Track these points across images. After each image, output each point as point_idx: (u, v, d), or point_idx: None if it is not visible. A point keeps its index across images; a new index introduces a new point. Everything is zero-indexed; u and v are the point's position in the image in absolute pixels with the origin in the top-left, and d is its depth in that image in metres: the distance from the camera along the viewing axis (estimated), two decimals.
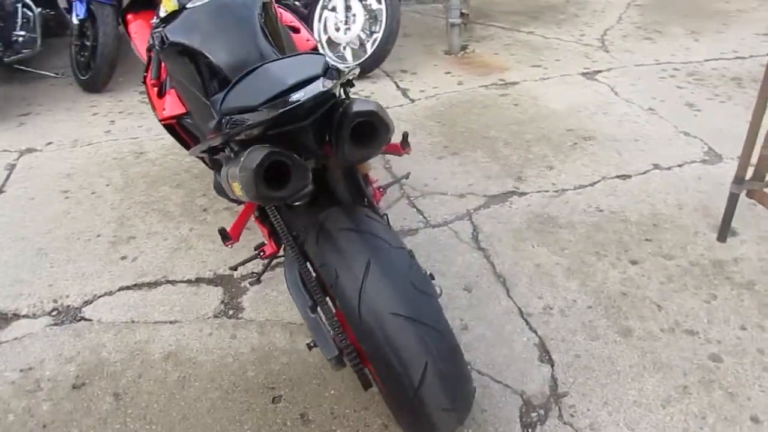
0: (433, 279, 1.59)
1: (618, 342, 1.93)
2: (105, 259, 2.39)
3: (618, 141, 3.11)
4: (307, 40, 2.14)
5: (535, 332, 1.98)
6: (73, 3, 3.78)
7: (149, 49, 2.03)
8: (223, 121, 1.34)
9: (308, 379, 1.84)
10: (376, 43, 3.87)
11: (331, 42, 4.08)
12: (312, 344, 1.57)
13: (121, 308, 2.15)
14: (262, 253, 1.87)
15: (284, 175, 1.25)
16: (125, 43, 2.59)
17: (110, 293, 2.22)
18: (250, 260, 1.95)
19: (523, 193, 2.70)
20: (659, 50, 4.36)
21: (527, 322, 2.02)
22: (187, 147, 2.11)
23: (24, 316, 2.13)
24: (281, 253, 1.90)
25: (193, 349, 1.97)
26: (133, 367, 1.91)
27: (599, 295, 2.11)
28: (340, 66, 1.46)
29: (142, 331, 2.04)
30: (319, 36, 4.07)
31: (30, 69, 4.04)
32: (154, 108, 2.09)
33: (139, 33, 2.26)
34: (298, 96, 1.25)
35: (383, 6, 3.82)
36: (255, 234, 2.33)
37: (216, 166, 1.72)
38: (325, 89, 1.27)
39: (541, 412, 1.73)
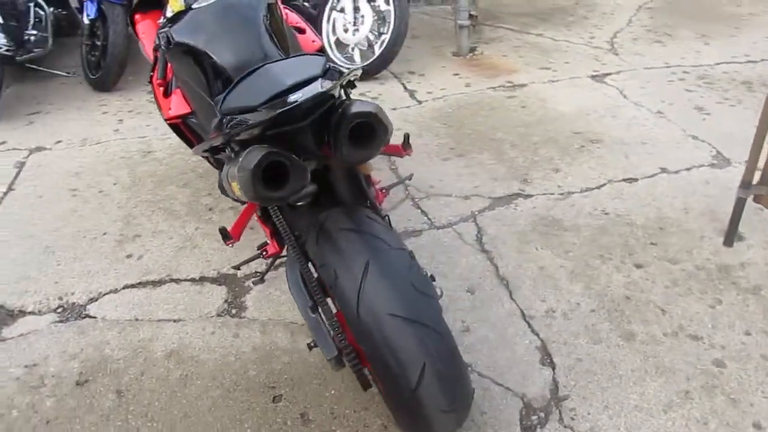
0: (434, 280, 1.59)
1: (620, 346, 1.92)
2: (111, 257, 2.41)
3: (626, 144, 3.09)
4: (313, 41, 2.15)
5: (537, 335, 1.97)
6: (84, 3, 3.81)
7: (155, 49, 2.04)
8: (224, 120, 1.35)
9: (309, 378, 1.85)
10: (384, 45, 3.88)
11: (339, 43, 4.10)
12: (312, 344, 1.57)
13: (126, 306, 2.17)
14: (264, 253, 1.88)
15: (283, 176, 1.26)
16: (135, 42, 2.61)
17: (115, 291, 2.24)
18: (253, 260, 1.95)
19: (529, 196, 2.70)
20: (669, 53, 4.33)
21: (529, 325, 2.01)
22: (192, 146, 2.12)
23: (30, 313, 2.15)
24: (284, 253, 1.91)
25: (196, 347, 1.98)
26: (136, 364, 1.92)
27: (603, 299, 2.10)
28: (342, 67, 1.46)
29: (145, 329, 2.06)
30: (328, 37, 4.09)
31: (41, 68, 4.08)
32: (159, 107, 2.11)
33: (147, 33, 2.28)
34: (296, 97, 1.26)
35: (391, 7, 3.83)
36: (258, 233, 2.34)
37: (219, 165, 1.74)
38: (323, 90, 1.28)
39: (542, 415, 1.72)
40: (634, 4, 5.53)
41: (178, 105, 1.99)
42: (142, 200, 2.76)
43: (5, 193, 2.85)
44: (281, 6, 2.14)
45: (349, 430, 1.69)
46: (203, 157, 2.04)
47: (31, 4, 3.87)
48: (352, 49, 4.06)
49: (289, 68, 1.37)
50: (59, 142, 3.33)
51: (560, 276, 2.22)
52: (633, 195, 2.67)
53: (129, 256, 2.41)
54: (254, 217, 1.93)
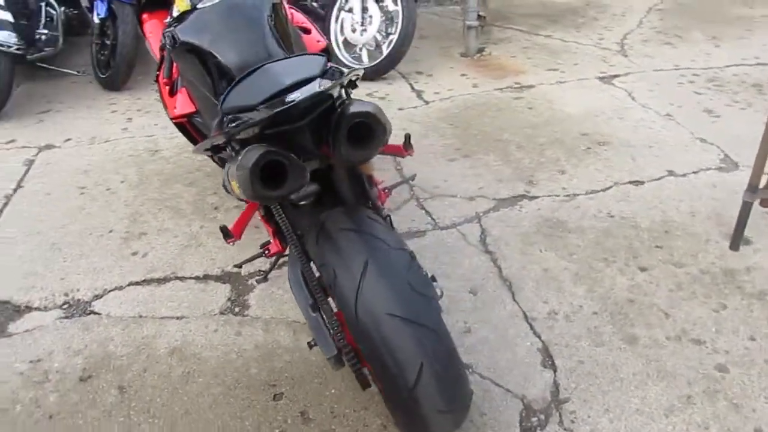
0: (435, 281, 1.60)
1: (623, 349, 1.91)
2: (116, 255, 2.42)
3: (633, 146, 3.08)
4: (318, 41, 2.16)
5: (539, 337, 1.97)
6: (95, 2, 3.84)
7: (162, 49, 2.06)
8: (225, 119, 1.36)
9: (310, 377, 1.85)
10: (392, 45, 3.88)
11: (347, 43, 4.11)
12: (312, 343, 1.58)
13: (130, 303, 2.18)
14: (266, 252, 1.89)
15: (282, 175, 1.26)
16: (144, 42, 2.63)
17: (120, 288, 2.26)
18: (255, 258, 1.96)
19: (534, 197, 2.69)
20: (679, 55, 4.30)
21: (531, 327, 2.01)
22: None
23: (36, 309, 2.17)
24: (286, 252, 1.92)
25: (198, 344, 1.99)
26: (139, 361, 1.94)
27: (606, 302, 2.10)
28: (343, 67, 1.46)
29: (149, 326, 2.07)
30: (336, 37, 4.10)
31: (52, 67, 4.11)
32: (165, 106, 2.13)
33: (154, 32, 2.30)
34: (293, 96, 1.27)
35: (399, 8, 3.83)
36: (262, 232, 2.35)
37: (223, 164, 1.75)
38: (321, 90, 1.28)
39: (542, 417, 1.72)
40: (644, 6, 5.50)
41: (183, 104, 2.00)
42: (149, 198, 2.79)
43: (14, 190, 2.88)
44: (287, 6, 2.15)
45: (348, 429, 1.70)
46: (208, 155, 2.05)
47: (42, 4, 3.91)
48: (360, 49, 4.07)
49: (289, 68, 1.38)
50: (68, 140, 3.36)
51: (564, 278, 2.21)
52: (639, 198, 2.65)
53: (134, 254, 2.43)
54: (257, 216, 1.94)
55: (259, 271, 2.27)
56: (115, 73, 3.87)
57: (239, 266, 2.20)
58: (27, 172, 3.04)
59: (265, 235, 2.30)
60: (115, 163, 3.09)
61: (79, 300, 2.20)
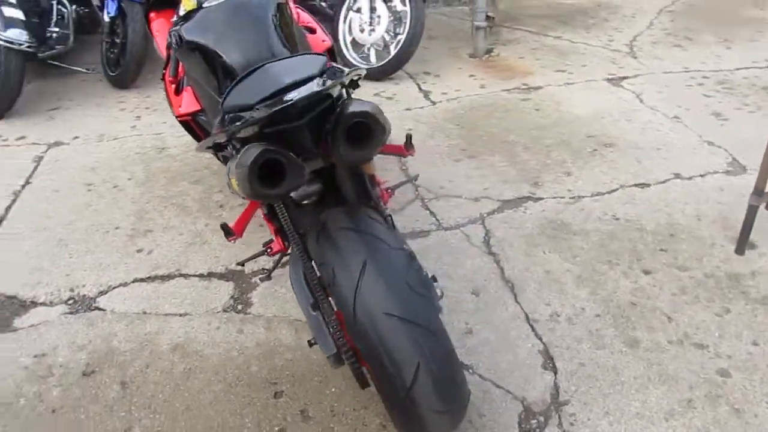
0: (436, 281, 1.60)
1: (624, 352, 1.90)
2: (122, 251, 2.44)
3: (639, 149, 3.06)
4: (323, 41, 2.17)
5: (540, 339, 1.97)
6: (105, 1, 3.87)
7: (168, 47, 2.07)
8: (226, 118, 1.37)
9: (310, 376, 1.86)
10: (400, 45, 3.88)
11: (355, 43, 4.11)
12: (313, 341, 1.58)
13: (134, 299, 2.20)
14: (269, 250, 1.90)
15: (281, 173, 1.27)
16: (153, 40, 2.65)
17: (125, 284, 2.27)
18: (258, 256, 1.97)
19: (539, 199, 2.69)
20: (689, 57, 4.28)
21: (533, 329, 2.01)
22: None
23: (41, 304, 2.19)
24: (289, 250, 1.92)
25: (201, 341, 2.01)
26: (142, 357, 1.95)
27: (608, 304, 2.09)
28: (343, 67, 1.46)
29: (152, 323, 2.09)
30: (344, 37, 4.10)
31: (63, 65, 4.14)
32: (171, 104, 2.14)
33: (161, 31, 2.31)
34: (291, 95, 1.27)
35: (408, 8, 3.83)
36: (266, 230, 2.36)
37: (226, 162, 1.76)
38: (318, 89, 1.29)
39: (541, 419, 1.71)
40: (656, 8, 5.47)
41: (188, 102, 2.02)
42: (155, 196, 2.80)
43: (23, 187, 2.91)
44: (293, 6, 2.16)
45: (347, 427, 1.70)
46: (213, 154, 2.06)
47: (54, 2, 3.93)
48: (368, 49, 4.07)
49: (288, 67, 1.39)
50: (77, 137, 3.39)
51: (566, 280, 2.21)
52: (644, 200, 2.64)
53: (140, 251, 2.45)
54: (260, 214, 1.95)
55: (263, 269, 2.28)
56: (125, 71, 3.90)
57: (242, 264, 2.21)
58: (36, 168, 3.07)
59: (269, 233, 2.32)
60: (122, 161, 3.12)
61: (84, 296, 2.22)
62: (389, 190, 2.06)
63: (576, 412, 1.72)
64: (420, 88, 3.91)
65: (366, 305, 1.32)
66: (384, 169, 2.92)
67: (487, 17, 4.30)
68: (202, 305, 2.16)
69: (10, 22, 3.43)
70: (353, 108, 1.31)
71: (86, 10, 4.35)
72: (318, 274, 1.54)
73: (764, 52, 4.31)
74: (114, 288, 2.26)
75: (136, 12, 3.73)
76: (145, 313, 2.14)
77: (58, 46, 3.93)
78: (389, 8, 3.93)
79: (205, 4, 1.82)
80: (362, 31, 4.02)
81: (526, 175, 2.87)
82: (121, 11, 3.84)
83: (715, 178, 2.79)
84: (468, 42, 4.57)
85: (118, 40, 3.92)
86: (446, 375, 1.35)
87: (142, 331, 2.05)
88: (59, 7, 3.98)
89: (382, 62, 3.98)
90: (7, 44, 3.39)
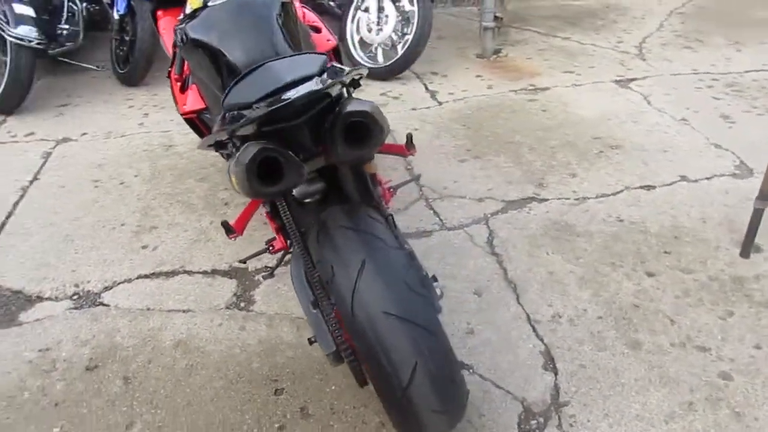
0: (436, 281, 1.60)
1: (625, 354, 1.90)
2: (127, 248, 2.46)
3: (646, 151, 3.05)
4: (327, 40, 2.17)
5: (542, 340, 1.96)
6: None
7: (174, 45, 2.08)
8: (226, 116, 1.38)
9: (311, 373, 1.87)
10: (407, 45, 3.88)
11: (363, 42, 4.12)
12: (313, 339, 1.59)
13: (138, 295, 2.22)
14: (271, 248, 1.91)
15: (279, 171, 1.28)
16: None
17: (129, 280, 2.29)
18: (260, 254, 1.98)
19: (543, 200, 2.68)
20: (698, 60, 4.25)
21: (534, 329, 2.00)
22: None
23: (47, 299, 2.21)
24: (291, 249, 1.93)
25: (203, 338, 2.02)
26: (144, 352, 1.97)
27: (611, 306, 2.08)
28: (344, 67, 1.47)
29: (155, 319, 2.10)
30: (352, 36, 4.11)
31: (73, 61, 4.18)
32: (176, 102, 2.16)
33: (167, 29, 2.32)
34: (289, 94, 1.28)
35: (416, 8, 3.83)
36: (269, 228, 2.37)
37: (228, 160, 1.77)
38: (316, 88, 1.29)
39: (541, 420, 1.71)
40: (666, 9, 5.45)
41: (193, 100, 2.03)
42: (161, 193, 2.82)
43: (31, 182, 2.94)
44: (298, 5, 2.17)
45: (347, 425, 1.71)
46: (215, 151, 2.07)
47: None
48: (375, 49, 4.08)
49: (288, 66, 1.39)
50: (85, 134, 3.42)
51: (569, 281, 2.20)
52: (650, 202, 2.63)
53: (144, 247, 2.46)
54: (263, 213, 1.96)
55: (266, 267, 2.29)
56: (133, 68, 3.92)
57: (243, 262, 2.22)
58: (44, 164, 3.10)
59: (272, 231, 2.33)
60: (129, 158, 3.14)
61: (89, 291, 2.24)
62: (391, 190, 2.06)
63: (576, 414, 1.72)
64: (427, 88, 3.91)
65: (364, 304, 1.33)
66: (390, 168, 2.93)
67: (495, 18, 4.29)
68: (205, 302, 2.18)
69: (21, 19, 3.46)
70: (352, 107, 1.31)
71: (97, 8, 4.39)
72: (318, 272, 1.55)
73: None
74: (118, 284, 2.28)
75: (145, 10, 3.74)
76: (148, 309, 2.15)
77: (68, 43, 3.97)
78: (397, 8, 3.94)
79: (210, 3, 1.83)
80: (370, 30, 4.03)
81: (531, 176, 2.87)
82: (130, 9, 3.87)
83: (721, 181, 2.78)
84: (476, 42, 4.56)
85: (127, 38, 3.95)
86: (444, 374, 1.35)
87: (145, 327, 2.07)
88: (70, 4, 4.02)
89: (390, 62, 3.98)
90: (18, 41, 3.42)
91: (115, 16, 3.95)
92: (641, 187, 2.74)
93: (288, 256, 2.23)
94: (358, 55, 4.09)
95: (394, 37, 3.98)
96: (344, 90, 1.48)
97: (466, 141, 3.21)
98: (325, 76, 1.35)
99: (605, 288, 2.17)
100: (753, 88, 3.76)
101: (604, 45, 4.60)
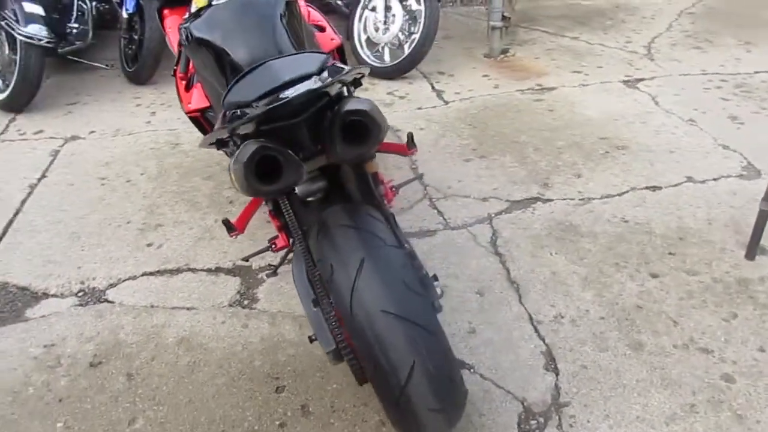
0: (437, 280, 1.60)
1: (627, 355, 1.89)
2: (132, 245, 2.48)
3: (652, 151, 3.03)
4: (332, 39, 2.18)
5: (543, 340, 1.96)
6: None
7: (179, 44, 2.10)
8: (227, 114, 1.38)
9: (312, 371, 1.88)
10: (414, 44, 3.88)
11: (370, 42, 4.12)
12: (313, 337, 1.59)
13: (143, 293, 2.23)
14: (273, 246, 1.92)
15: (278, 170, 1.28)
16: None
17: (134, 278, 2.31)
18: (262, 252, 1.99)
19: (548, 200, 2.67)
20: (708, 60, 4.22)
21: (536, 330, 2.00)
22: None
23: (52, 296, 2.23)
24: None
25: (206, 335, 2.03)
26: (148, 349, 1.98)
27: (613, 307, 2.08)
28: (344, 66, 1.47)
29: (159, 316, 2.12)
30: (359, 36, 4.12)
31: (82, 60, 4.21)
32: (181, 100, 2.17)
33: (173, 28, 2.34)
34: (287, 93, 1.29)
35: (422, 7, 3.83)
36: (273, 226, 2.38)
37: None
38: (314, 87, 1.30)
39: (541, 420, 1.71)
40: (676, 9, 5.41)
41: (198, 99, 2.04)
42: (167, 191, 2.84)
43: (39, 180, 2.96)
44: (303, 4, 2.17)
45: (347, 423, 1.72)
46: (219, 150, 2.09)
47: None
48: (382, 48, 4.08)
49: (287, 65, 1.40)
50: (93, 132, 3.45)
51: (572, 282, 2.20)
52: (655, 203, 2.62)
53: (150, 245, 2.48)
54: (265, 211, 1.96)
55: (269, 265, 2.30)
56: (141, 67, 3.95)
57: (246, 260, 2.23)
58: (52, 162, 3.13)
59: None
60: (136, 156, 3.16)
61: (94, 288, 2.26)
62: (394, 189, 2.07)
63: (576, 414, 1.72)
64: (433, 88, 3.91)
65: (362, 302, 1.33)
66: (395, 167, 2.93)
67: (503, 17, 4.28)
68: (208, 300, 2.19)
69: (31, 18, 3.49)
70: (350, 106, 1.32)
71: (106, 6, 4.42)
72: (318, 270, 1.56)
73: None
74: (123, 281, 2.29)
75: (152, 9, 3.77)
76: (152, 306, 2.17)
77: (77, 42, 4.00)
78: (404, 7, 3.94)
79: (214, 2, 1.84)
80: (377, 29, 4.04)
81: (536, 176, 2.86)
82: (139, 8, 3.89)
83: (728, 182, 2.76)
84: (483, 42, 4.55)
85: (136, 37, 3.97)
86: (442, 373, 1.35)
87: (149, 324, 2.08)
88: (80, 3, 4.05)
89: (396, 61, 3.98)
90: (28, 40, 3.45)
91: (124, 14, 3.98)
92: (647, 188, 2.73)
93: (291, 255, 2.25)
94: (364, 53, 4.09)
95: (401, 37, 3.98)
96: (345, 89, 1.48)
97: (471, 140, 3.20)
98: (324, 74, 1.36)
99: (608, 289, 2.16)
100: (762, 89, 3.73)
101: (613, 45, 4.58)
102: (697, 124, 3.31)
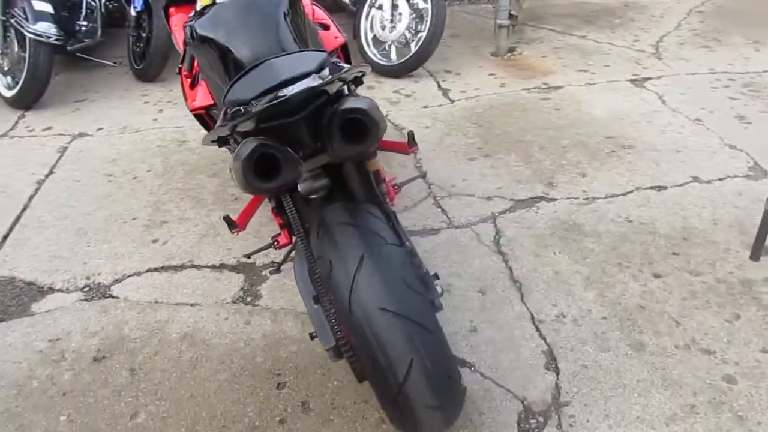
0: (438, 278, 1.61)
1: (629, 355, 1.89)
2: (138, 241, 2.50)
3: (658, 151, 3.02)
4: (336, 38, 2.19)
5: (545, 339, 1.96)
6: None
7: (185, 42, 2.11)
8: (227, 112, 1.40)
9: (313, 368, 1.89)
10: (420, 43, 3.88)
11: (376, 40, 4.13)
12: (314, 334, 1.60)
13: (147, 288, 2.25)
14: (276, 243, 1.93)
15: (277, 168, 1.29)
16: None
17: (139, 274, 2.33)
18: (264, 249, 2.01)
19: (552, 199, 2.67)
20: (716, 59, 4.19)
21: (538, 329, 2.00)
22: None
23: (58, 290, 2.26)
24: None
25: (209, 331, 2.05)
26: (151, 344, 2.00)
27: (616, 307, 2.07)
28: (344, 65, 1.48)
29: (163, 312, 2.14)
30: (366, 34, 4.12)
31: (90, 57, 4.24)
32: (185, 98, 2.19)
33: (179, 26, 2.35)
34: (286, 91, 1.29)
35: (429, 5, 3.83)
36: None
37: None
38: (313, 85, 1.30)
39: (540, 419, 1.71)
40: (685, 8, 5.37)
41: (202, 97, 2.05)
42: (173, 188, 2.86)
43: (46, 176, 2.99)
44: (308, 2, 2.18)
45: (347, 420, 1.73)
46: (220, 147, 2.10)
47: None
48: (389, 46, 4.08)
49: (287, 63, 1.41)
50: (101, 129, 3.47)
51: (575, 281, 2.19)
52: (660, 203, 2.61)
53: (155, 241, 2.50)
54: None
55: (272, 262, 2.32)
56: (149, 64, 3.98)
57: (248, 257, 2.25)
58: (60, 158, 3.16)
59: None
60: (143, 153, 3.18)
61: (99, 284, 2.28)
62: (396, 187, 2.07)
63: (576, 414, 1.72)
64: (439, 86, 3.91)
65: (361, 300, 1.34)
66: (400, 165, 2.94)
67: (510, 16, 4.27)
68: (212, 296, 2.20)
69: (40, 16, 3.52)
70: (348, 104, 1.32)
71: (115, 4, 4.44)
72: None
73: None
74: (128, 277, 2.31)
75: (159, 7, 3.79)
76: (156, 302, 2.19)
77: (86, 40, 4.04)
78: (411, 5, 3.94)
79: (218, 0, 1.85)
80: (383, 28, 4.04)
81: (540, 175, 2.85)
82: (147, 6, 3.92)
83: (734, 182, 2.74)
84: (491, 41, 4.54)
85: (144, 35, 4.00)
86: (440, 371, 1.36)
87: (153, 320, 2.10)
88: (89, 1, 4.07)
89: (403, 59, 3.98)
90: (37, 37, 3.48)
91: (132, 12, 4.00)
92: (652, 188, 2.72)
93: (294, 252, 2.26)
94: (371, 52, 4.10)
95: (408, 35, 3.98)
96: (345, 87, 1.49)
97: (476, 139, 3.20)
98: (323, 73, 1.37)
99: (611, 289, 2.16)
100: None
101: (620, 44, 4.56)
102: (703, 123, 3.30)
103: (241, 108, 1.33)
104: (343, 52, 2.32)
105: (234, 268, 2.34)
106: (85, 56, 4.19)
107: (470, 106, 3.60)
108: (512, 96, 3.72)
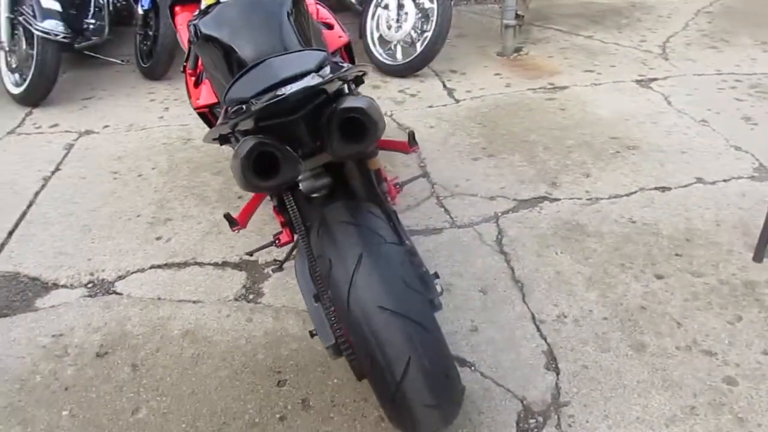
0: (438, 277, 1.61)
1: (629, 356, 1.89)
2: (142, 238, 2.52)
3: (663, 152, 3.01)
4: (339, 37, 2.19)
5: (545, 339, 1.96)
6: None
7: (189, 41, 2.12)
8: (228, 111, 1.40)
9: (314, 366, 1.89)
10: (426, 42, 3.88)
11: (382, 39, 4.13)
12: (314, 332, 1.61)
13: (150, 285, 2.27)
14: (277, 241, 1.94)
15: (277, 166, 1.30)
16: None
17: (142, 270, 2.34)
18: (266, 247, 2.01)
19: (555, 200, 2.67)
20: (723, 60, 4.17)
21: (538, 329, 2.00)
22: None
23: (62, 286, 2.28)
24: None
25: (210, 328, 2.06)
26: (153, 341, 2.02)
27: (617, 308, 2.07)
28: (344, 64, 1.49)
29: (165, 308, 2.15)
30: (371, 33, 4.13)
31: (98, 55, 4.26)
32: (189, 96, 2.20)
33: (184, 25, 2.36)
34: (284, 90, 1.30)
35: (435, 5, 3.83)
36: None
37: None
38: (312, 84, 1.31)
39: (540, 419, 1.71)
40: (693, 8, 5.35)
41: (206, 95, 2.06)
42: (177, 185, 2.88)
43: (52, 173, 3.02)
44: (311, 1, 2.19)
45: (346, 418, 1.73)
46: (221, 146, 2.11)
47: None
48: (395, 46, 4.09)
49: (287, 62, 1.42)
50: (107, 126, 3.50)
51: (576, 282, 2.19)
52: (664, 204, 2.60)
53: (159, 238, 2.52)
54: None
55: (275, 260, 2.33)
56: (156, 63, 4.00)
57: (250, 254, 2.26)
58: (66, 155, 3.18)
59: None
60: (148, 150, 3.20)
61: (103, 280, 2.30)
62: (397, 186, 2.08)
63: (575, 414, 1.72)
64: (445, 86, 3.91)
65: (360, 298, 1.34)
66: (403, 165, 2.94)
67: (517, 15, 4.27)
68: (214, 293, 2.22)
69: (48, 14, 3.55)
70: (347, 103, 1.33)
71: (123, 3, 4.47)
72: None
73: None
74: (132, 273, 2.33)
75: (165, 6, 3.81)
76: (159, 298, 2.20)
77: (93, 38, 4.06)
78: (417, 5, 3.94)
79: None
80: (389, 27, 4.04)
81: (544, 175, 2.85)
82: (154, 4, 3.94)
83: (739, 184, 2.73)
84: (497, 41, 4.54)
85: (151, 33, 4.02)
86: (437, 370, 1.36)
87: (155, 316, 2.12)
88: None
89: (408, 59, 3.99)
90: (44, 35, 3.51)
91: (140, 11, 4.03)
92: (656, 189, 2.71)
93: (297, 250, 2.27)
94: (377, 52, 4.10)
95: (413, 35, 3.98)
96: (345, 86, 1.49)
97: (481, 139, 3.20)
98: (323, 72, 1.37)
99: (613, 289, 2.15)
100: None
101: (627, 44, 4.54)
102: (709, 124, 3.28)
103: (242, 106, 1.34)
104: (347, 51, 2.32)
105: (237, 266, 2.35)
106: (92, 54, 4.21)
107: (475, 106, 3.59)
108: (518, 96, 3.71)
